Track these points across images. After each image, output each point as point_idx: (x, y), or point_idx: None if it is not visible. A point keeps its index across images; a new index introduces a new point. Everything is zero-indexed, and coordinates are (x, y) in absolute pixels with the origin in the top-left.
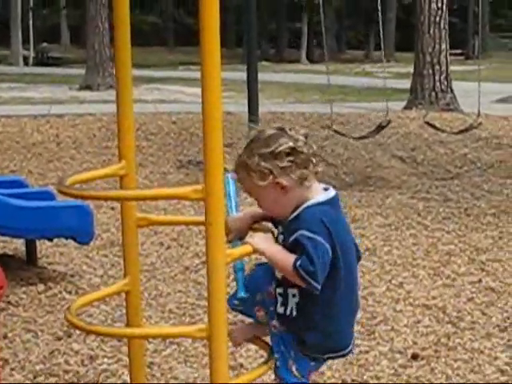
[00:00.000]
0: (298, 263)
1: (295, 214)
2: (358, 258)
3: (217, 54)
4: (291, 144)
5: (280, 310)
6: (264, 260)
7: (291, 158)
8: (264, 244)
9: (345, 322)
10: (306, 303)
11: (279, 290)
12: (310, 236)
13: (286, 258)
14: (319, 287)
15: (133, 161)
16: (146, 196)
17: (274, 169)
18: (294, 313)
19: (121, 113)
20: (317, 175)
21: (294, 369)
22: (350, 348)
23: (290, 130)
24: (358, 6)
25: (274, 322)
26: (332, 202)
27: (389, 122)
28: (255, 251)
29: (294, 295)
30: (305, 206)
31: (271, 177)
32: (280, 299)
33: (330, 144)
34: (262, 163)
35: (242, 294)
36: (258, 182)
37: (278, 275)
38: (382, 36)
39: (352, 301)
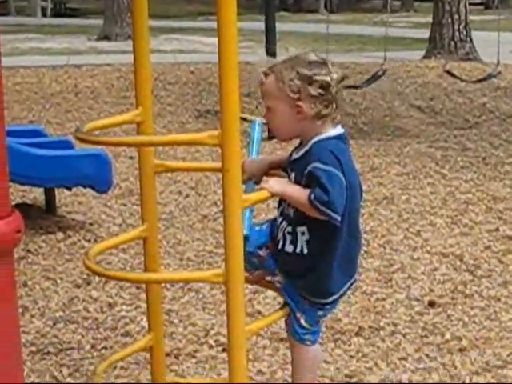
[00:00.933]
0: (313, 196)
1: (305, 149)
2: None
3: (233, 2)
4: (328, 79)
5: (289, 248)
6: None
7: (321, 91)
8: (279, 186)
9: (353, 261)
10: (315, 240)
11: (288, 229)
12: (322, 168)
13: (303, 194)
14: (339, 218)
15: (150, 108)
16: (163, 141)
17: (303, 91)
18: (305, 250)
19: (138, 62)
20: (333, 121)
21: (302, 321)
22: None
23: (333, 65)
24: None
25: (277, 278)
26: (341, 138)
27: (384, 71)
28: (272, 194)
29: (302, 233)
30: (314, 140)
31: (296, 96)
32: (289, 238)
33: (348, 93)
34: (296, 80)
35: (245, 232)
36: (283, 91)
37: (290, 213)
38: None
39: (358, 238)
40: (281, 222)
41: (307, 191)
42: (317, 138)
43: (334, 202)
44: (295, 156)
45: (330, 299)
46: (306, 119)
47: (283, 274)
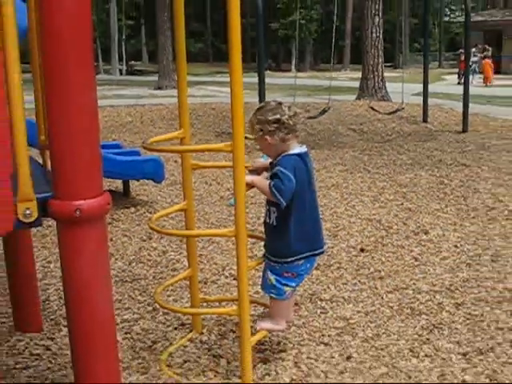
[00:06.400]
0: (272, 184)
1: (277, 159)
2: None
3: (239, 67)
4: (278, 116)
5: (267, 220)
6: None
7: (276, 125)
8: (249, 178)
9: (308, 233)
10: (280, 216)
11: (267, 207)
12: (282, 170)
13: (266, 183)
14: (284, 203)
15: (188, 129)
16: (197, 149)
17: (264, 129)
18: (275, 223)
19: (181, 102)
20: (297, 138)
21: (271, 277)
22: (321, 249)
23: (286, 106)
24: (327, 36)
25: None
26: (300, 155)
27: (329, 107)
28: (247, 183)
29: (273, 211)
30: (282, 155)
31: (261, 133)
32: (268, 214)
33: (310, 122)
34: (257, 125)
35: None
36: (255, 134)
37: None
38: (340, 53)
39: (303, 219)
40: (266, 204)
41: (268, 181)
42: (284, 154)
43: (284, 192)
44: (274, 162)
45: (289, 259)
46: (275, 144)
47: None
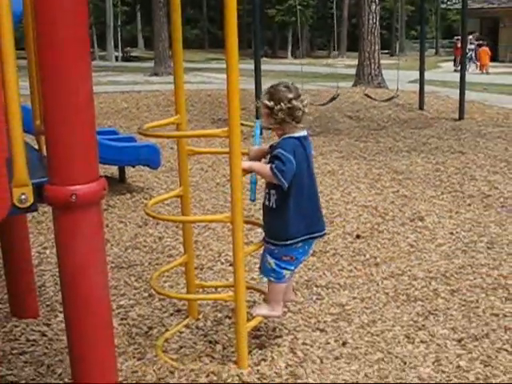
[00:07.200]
0: (274, 166)
1: (278, 141)
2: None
3: (235, 53)
4: (272, 104)
5: (267, 203)
6: None
7: (268, 110)
8: (247, 164)
9: (306, 216)
10: (280, 199)
11: (266, 191)
12: (282, 152)
13: (265, 166)
14: (286, 184)
15: (184, 115)
16: (194, 134)
17: (269, 108)
18: (274, 205)
19: (177, 88)
20: (299, 122)
21: (270, 261)
22: (319, 233)
23: (290, 90)
24: (324, 22)
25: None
26: (300, 139)
27: (338, 95)
28: (244, 169)
29: (273, 194)
30: (283, 137)
31: (267, 111)
32: (267, 197)
33: (309, 109)
34: (269, 101)
35: (252, 198)
36: (264, 108)
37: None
38: (336, 40)
39: (301, 202)
40: (265, 188)
41: (268, 166)
42: (285, 136)
43: (286, 172)
44: (274, 144)
45: (288, 242)
46: (275, 124)
47: (263, 225)
